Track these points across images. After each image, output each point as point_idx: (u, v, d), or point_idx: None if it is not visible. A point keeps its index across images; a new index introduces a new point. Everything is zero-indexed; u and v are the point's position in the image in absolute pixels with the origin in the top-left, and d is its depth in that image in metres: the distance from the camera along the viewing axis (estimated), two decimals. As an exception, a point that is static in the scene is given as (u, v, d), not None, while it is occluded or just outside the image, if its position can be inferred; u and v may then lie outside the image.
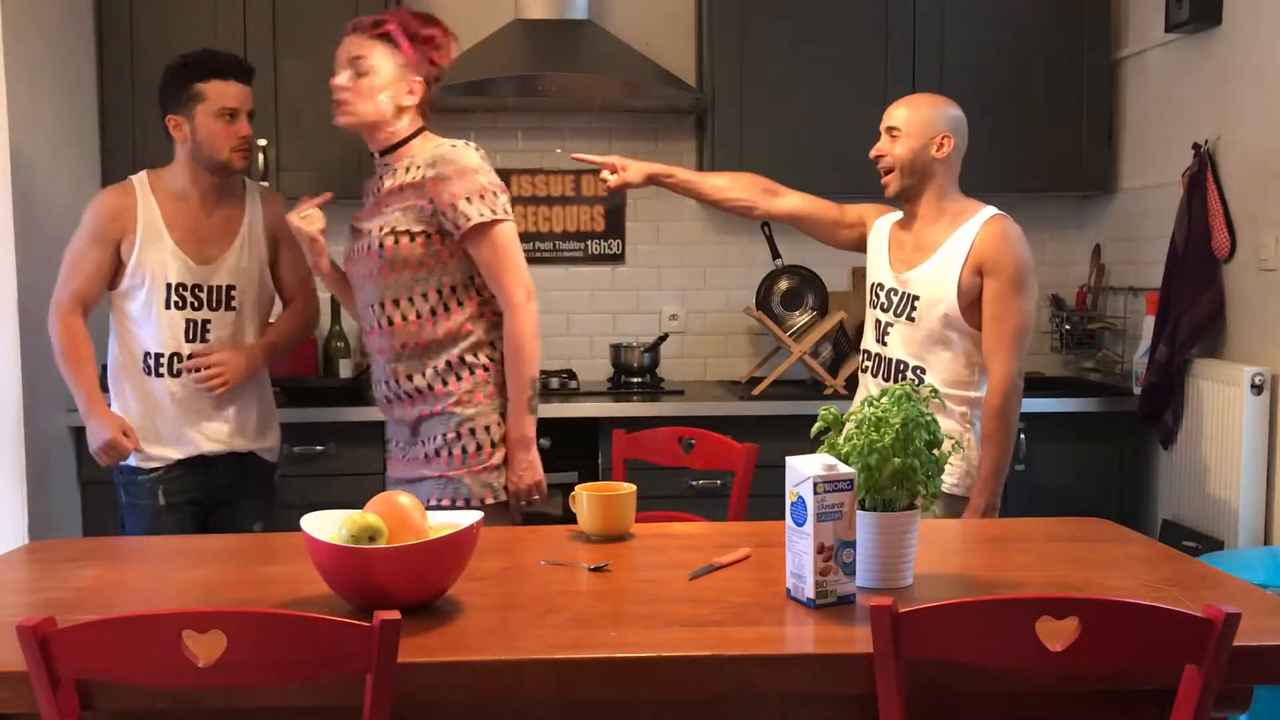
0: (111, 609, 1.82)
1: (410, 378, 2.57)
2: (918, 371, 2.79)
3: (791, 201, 3.03)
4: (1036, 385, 3.98)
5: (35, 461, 3.25)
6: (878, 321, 2.87)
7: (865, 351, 2.94)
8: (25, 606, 1.84)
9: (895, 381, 2.80)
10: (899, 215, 2.96)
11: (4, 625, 1.62)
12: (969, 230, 2.75)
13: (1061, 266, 4.32)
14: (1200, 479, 3.45)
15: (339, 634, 1.44)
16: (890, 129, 2.82)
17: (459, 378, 2.56)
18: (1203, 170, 3.44)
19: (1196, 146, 3.49)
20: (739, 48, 3.90)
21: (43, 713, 1.47)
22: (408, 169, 2.53)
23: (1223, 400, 3.32)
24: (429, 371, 2.55)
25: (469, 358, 2.57)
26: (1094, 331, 4.13)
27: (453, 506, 2.52)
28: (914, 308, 2.79)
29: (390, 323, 2.55)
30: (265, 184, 3.74)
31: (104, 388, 2.89)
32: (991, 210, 2.79)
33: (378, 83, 2.52)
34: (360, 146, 3.75)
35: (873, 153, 2.84)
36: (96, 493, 3.41)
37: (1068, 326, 4.16)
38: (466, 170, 2.49)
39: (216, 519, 2.95)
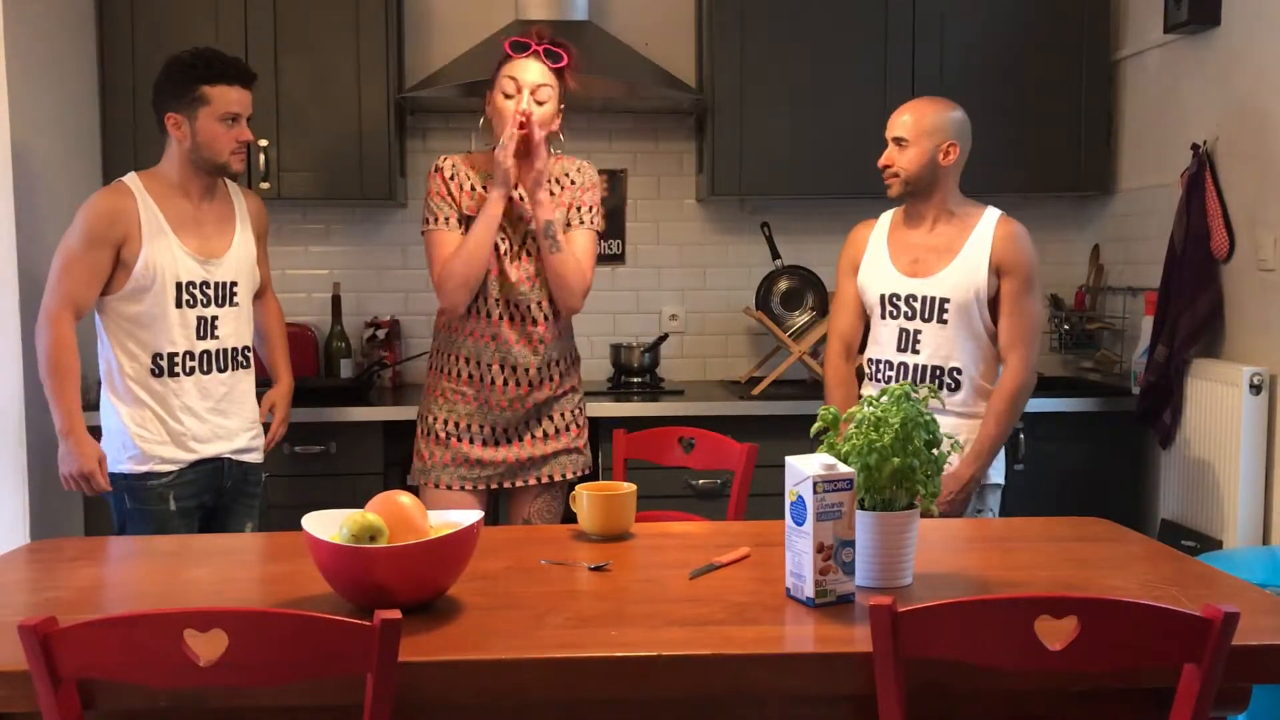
0: (112, 609, 1.83)
1: (559, 362, 2.92)
2: (954, 373, 2.85)
3: (855, 342, 3.08)
4: (1036, 385, 3.98)
5: (36, 461, 3.25)
6: (902, 330, 2.90)
7: (884, 362, 2.94)
8: (26, 606, 1.85)
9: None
10: (884, 221, 3.01)
11: (5, 625, 1.63)
12: (984, 231, 2.85)
13: (1061, 266, 4.32)
14: (1199, 479, 3.45)
15: (339, 634, 1.44)
16: (897, 139, 2.86)
17: (575, 361, 3.00)
18: (1201, 170, 3.45)
19: (1195, 146, 3.49)
20: (739, 48, 3.90)
21: (44, 712, 1.47)
22: (553, 179, 2.87)
23: (1222, 400, 3.32)
24: (570, 355, 2.97)
25: (574, 347, 3.02)
26: (1093, 331, 4.13)
27: (579, 477, 2.92)
28: (944, 310, 2.84)
29: (557, 316, 2.88)
30: (266, 184, 3.75)
31: (94, 399, 2.87)
32: (996, 211, 2.89)
33: (550, 113, 2.81)
34: (356, 147, 3.80)
35: (880, 162, 2.90)
36: (97, 493, 3.41)
37: (1067, 326, 4.16)
38: (598, 184, 2.96)
39: (214, 524, 2.96)
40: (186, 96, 2.78)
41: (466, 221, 2.83)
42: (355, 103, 3.82)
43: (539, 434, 2.91)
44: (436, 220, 2.84)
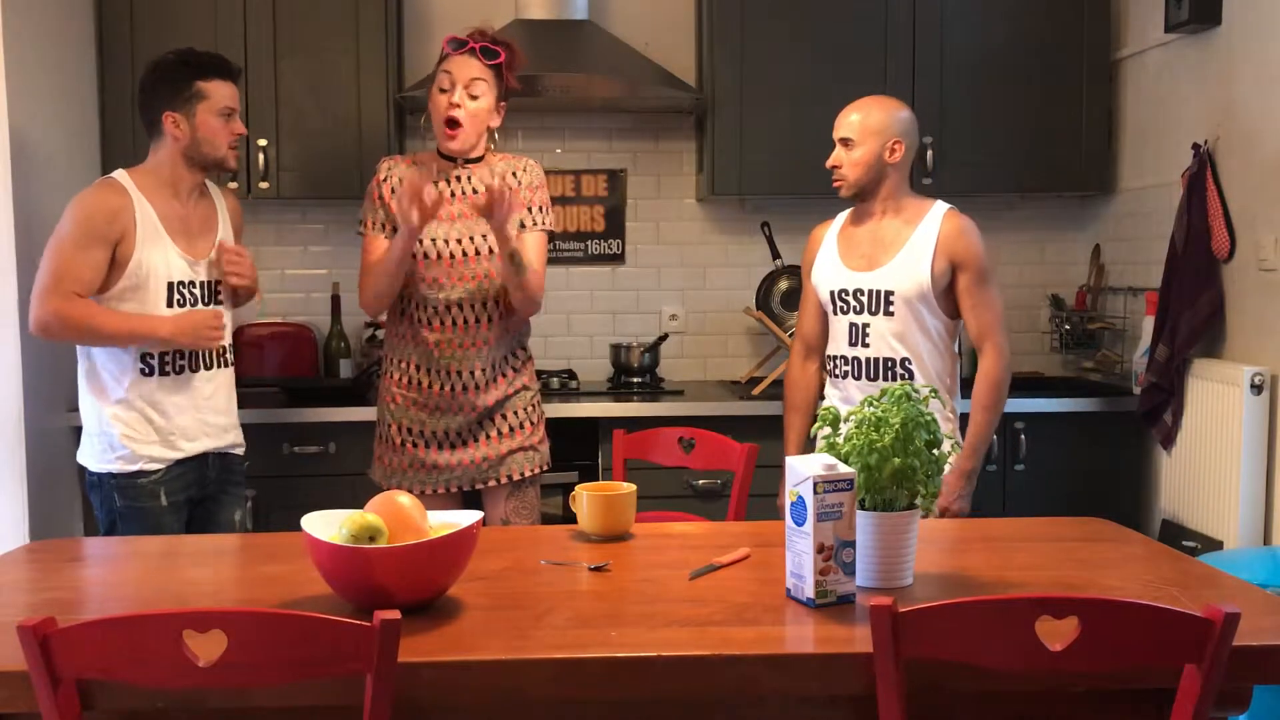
0: (111, 609, 1.82)
1: (508, 360, 2.94)
2: (905, 363, 2.88)
3: (816, 343, 3.11)
4: (1036, 385, 3.99)
5: (35, 461, 3.25)
6: (852, 325, 2.93)
7: (839, 358, 2.98)
8: (25, 606, 1.85)
9: (883, 378, 2.88)
10: (837, 220, 3.06)
11: (4, 625, 1.62)
12: (930, 225, 2.88)
13: (1061, 266, 4.32)
14: (1200, 479, 3.45)
15: (339, 634, 1.44)
16: (844, 139, 2.91)
17: (527, 359, 3.00)
18: (1202, 170, 3.44)
19: (1196, 146, 3.49)
20: (739, 48, 3.90)
21: (43, 713, 1.47)
22: (493, 178, 2.86)
23: (1222, 400, 3.32)
24: (520, 353, 2.98)
25: (526, 343, 3.01)
26: (1094, 331, 4.13)
27: (536, 474, 2.96)
28: (890, 302, 2.87)
29: (501, 316, 2.88)
30: (265, 184, 3.75)
31: (75, 403, 2.86)
32: (943, 205, 2.93)
33: (484, 108, 2.84)
34: (356, 147, 3.80)
35: (829, 163, 2.94)
36: (96, 493, 3.41)
37: (1067, 326, 4.16)
38: (545, 183, 2.97)
39: (200, 513, 2.95)
40: (183, 94, 2.79)
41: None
42: (354, 102, 3.82)
43: (493, 434, 2.92)
44: (362, 224, 2.93)
